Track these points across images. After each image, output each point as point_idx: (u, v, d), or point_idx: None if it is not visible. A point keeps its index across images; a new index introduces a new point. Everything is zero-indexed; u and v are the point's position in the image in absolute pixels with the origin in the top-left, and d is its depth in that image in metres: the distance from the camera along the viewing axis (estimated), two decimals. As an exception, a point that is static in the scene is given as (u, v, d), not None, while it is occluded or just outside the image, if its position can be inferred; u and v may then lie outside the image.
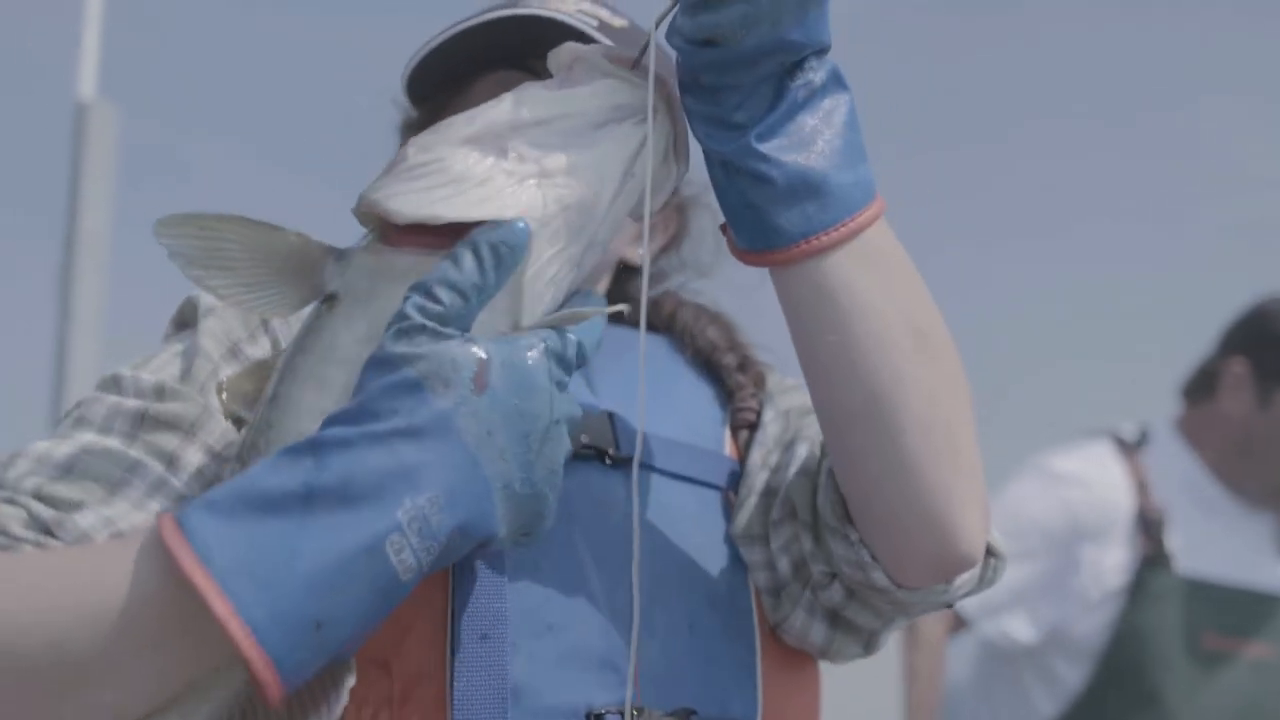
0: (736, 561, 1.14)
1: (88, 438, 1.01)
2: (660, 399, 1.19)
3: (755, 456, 1.18)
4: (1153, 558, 2.70)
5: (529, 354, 0.91)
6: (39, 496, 0.97)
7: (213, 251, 0.95)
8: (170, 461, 1.02)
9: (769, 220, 0.97)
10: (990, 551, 1.11)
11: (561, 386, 0.93)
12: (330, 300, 0.96)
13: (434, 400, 0.88)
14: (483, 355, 0.89)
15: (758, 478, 1.17)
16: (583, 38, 1.12)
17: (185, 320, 1.14)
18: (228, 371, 1.07)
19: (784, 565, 1.13)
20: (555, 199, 0.95)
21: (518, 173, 0.95)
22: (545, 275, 0.95)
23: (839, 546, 1.08)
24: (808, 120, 0.96)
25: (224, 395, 0.99)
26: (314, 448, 0.86)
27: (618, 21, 1.18)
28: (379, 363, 0.90)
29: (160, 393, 1.04)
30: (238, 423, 1.00)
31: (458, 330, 0.91)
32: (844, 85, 0.98)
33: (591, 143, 0.96)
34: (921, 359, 1.00)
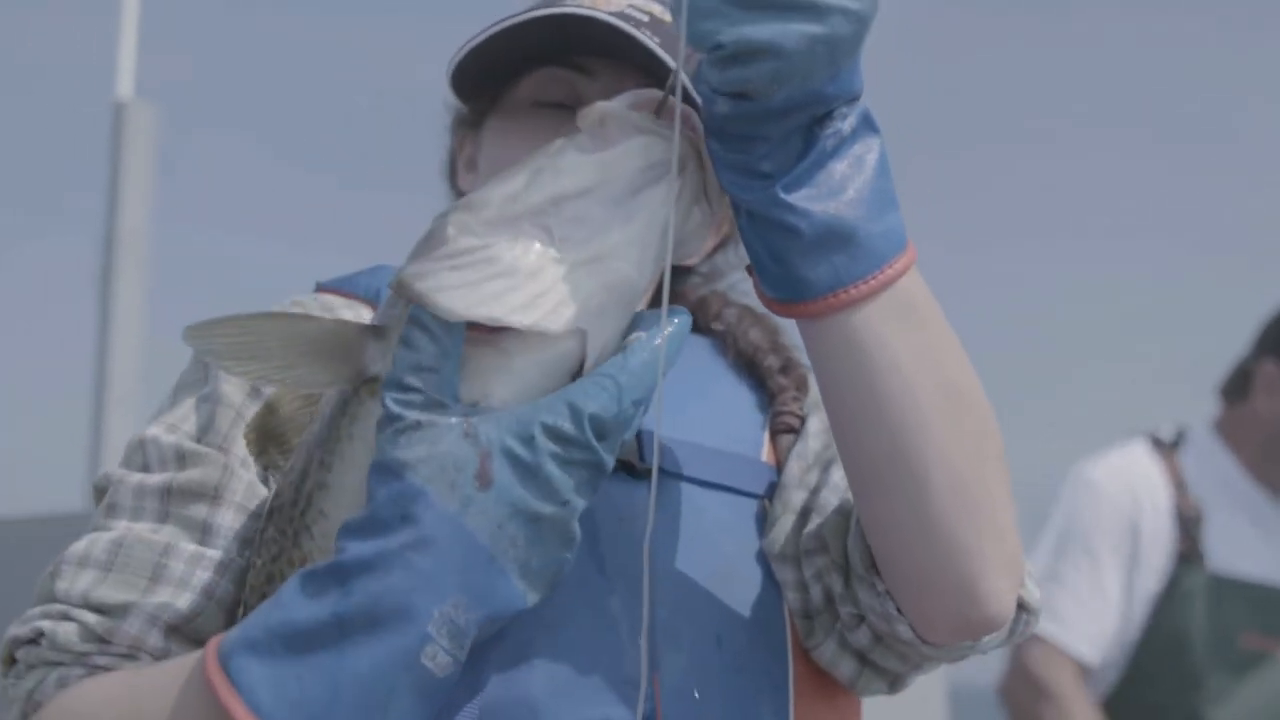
0: (770, 574, 1.11)
1: (121, 527, 1.05)
2: (696, 403, 1.15)
3: (794, 468, 1.14)
4: (1189, 556, 2.69)
5: (531, 442, 0.90)
6: (88, 604, 1.02)
7: (245, 345, 0.95)
8: (204, 530, 1.05)
9: (796, 272, 0.94)
10: (1023, 605, 1.07)
11: (571, 467, 0.91)
12: (373, 384, 0.96)
13: (440, 505, 0.89)
14: (484, 448, 0.90)
15: (794, 495, 1.13)
16: (624, 36, 1.11)
17: None
18: (253, 411, 1.07)
19: (816, 593, 1.09)
20: (605, 285, 0.93)
21: (566, 260, 0.93)
22: (602, 358, 0.94)
23: (866, 595, 1.05)
24: (837, 167, 0.93)
25: (253, 436, 1.00)
26: (337, 574, 0.90)
27: (670, 17, 1.14)
28: (382, 469, 0.91)
29: (181, 459, 1.07)
30: (265, 460, 1.01)
31: (447, 399, 0.91)
32: (875, 129, 0.95)
33: (631, 214, 0.94)
34: (952, 415, 0.97)
